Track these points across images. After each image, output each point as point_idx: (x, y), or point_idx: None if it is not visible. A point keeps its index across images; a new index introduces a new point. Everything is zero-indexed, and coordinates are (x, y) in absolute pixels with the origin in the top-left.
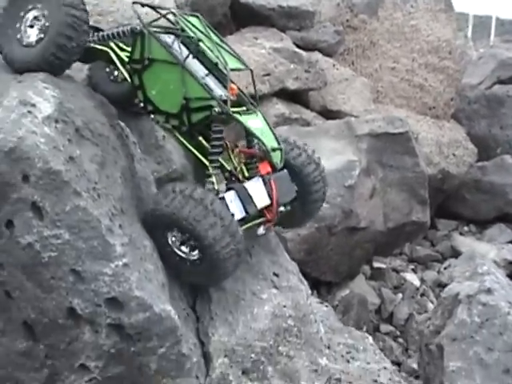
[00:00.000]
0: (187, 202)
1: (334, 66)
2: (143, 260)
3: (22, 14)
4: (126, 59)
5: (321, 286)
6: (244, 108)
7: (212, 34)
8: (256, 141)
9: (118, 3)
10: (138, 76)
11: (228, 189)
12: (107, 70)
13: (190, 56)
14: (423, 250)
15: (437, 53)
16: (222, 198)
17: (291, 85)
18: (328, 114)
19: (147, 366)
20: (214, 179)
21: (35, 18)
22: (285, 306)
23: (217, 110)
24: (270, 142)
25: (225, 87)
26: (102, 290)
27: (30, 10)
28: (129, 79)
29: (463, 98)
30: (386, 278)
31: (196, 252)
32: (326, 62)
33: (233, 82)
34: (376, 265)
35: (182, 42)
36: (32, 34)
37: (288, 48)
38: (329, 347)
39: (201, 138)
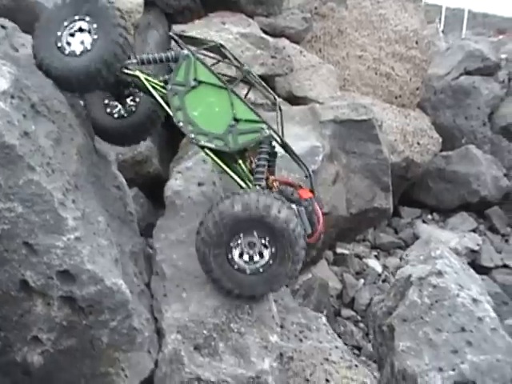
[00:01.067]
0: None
1: (301, 52)
2: (96, 235)
3: (66, 23)
4: (156, 85)
5: None
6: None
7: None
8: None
9: None
10: (179, 98)
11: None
12: (105, 102)
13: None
14: (386, 237)
15: (404, 42)
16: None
17: (257, 70)
18: (294, 100)
19: (99, 339)
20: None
21: (80, 29)
22: None
23: (267, 132)
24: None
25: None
26: (53, 262)
27: (75, 20)
28: (162, 102)
29: (429, 87)
30: (349, 263)
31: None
32: (293, 49)
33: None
34: (339, 250)
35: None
36: (76, 45)
37: (255, 34)
38: (282, 326)
39: (240, 162)
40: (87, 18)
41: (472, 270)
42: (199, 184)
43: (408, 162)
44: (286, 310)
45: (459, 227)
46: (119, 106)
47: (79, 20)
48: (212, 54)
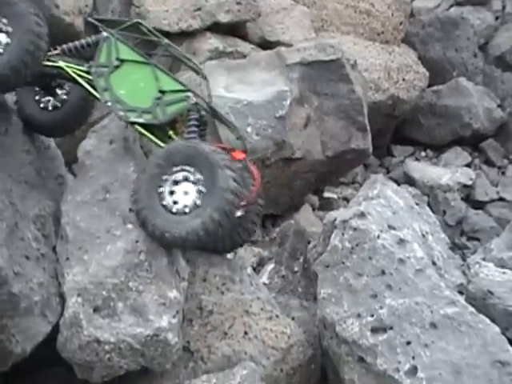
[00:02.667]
0: None
1: None
2: None
3: None
4: (80, 71)
5: (265, 219)
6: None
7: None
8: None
9: None
10: (104, 79)
11: None
12: (36, 98)
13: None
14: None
15: None
16: None
17: (223, 18)
18: (267, 45)
19: None
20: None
21: None
22: (137, 241)
23: (194, 100)
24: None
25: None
26: None
27: None
28: (88, 87)
29: (417, 21)
30: (335, 207)
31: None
32: None
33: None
34: (326, 195)
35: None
36: None
37: None
38: (204, 279)
39: (171, 133)
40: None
41: (427, 209)
42: (111, 142)
43: (394, 100)
44: (210, 263)
45: (453, 162)
46: (51, 99)
47: None
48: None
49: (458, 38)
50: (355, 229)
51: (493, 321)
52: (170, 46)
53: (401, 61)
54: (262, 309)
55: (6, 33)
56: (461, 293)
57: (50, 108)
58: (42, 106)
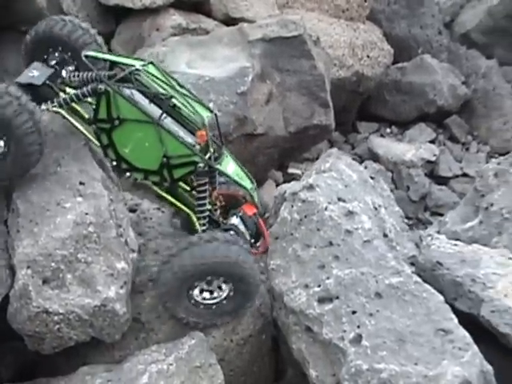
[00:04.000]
0: None
1: None
2: None
3: None
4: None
5: None
6: (212, 150)
7: (171, 80)
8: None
9: None
10: (106, 135)
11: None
12: None
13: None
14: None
15: None
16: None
17: None
18: (231, 22)
19: None
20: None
21: None
22: (87, 214)
23: (202, 165)
24: (247, 183)
25: (192, 134)
26: None
27: None
28: (92, 139)
29: None
30: None
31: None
32: None
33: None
34: (291, 170)
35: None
36: None
37: None
38: (156, 252)
39: (181, 190)
40: None
41: (382, 182)
42: (63, 116)
43: (359, 76)
44: (162, 236)
45: (418, 139)
46: None
47: None
48: None
49: (423, 15)
50: (304, 201)
51: (442, 291)
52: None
53: (365, 38)
54: None
55: None
56: (413, 264)
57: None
58: None
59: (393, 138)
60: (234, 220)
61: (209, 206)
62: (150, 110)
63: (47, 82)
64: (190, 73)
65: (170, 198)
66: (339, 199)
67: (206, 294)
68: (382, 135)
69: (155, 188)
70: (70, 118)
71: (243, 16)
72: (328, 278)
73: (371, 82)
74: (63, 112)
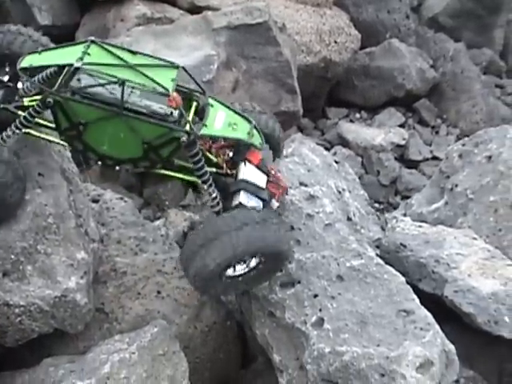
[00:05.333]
0: None
1: None
2: None
3: None
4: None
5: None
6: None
7: (121, 52)
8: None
9: None
10: (78, 141)
11: (233, 192)
12: None
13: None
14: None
15: None
16: (240, 204)
17: None
18: (196, 10)
19: None
20: (215, 195)
21: None
22: (46, 205)
23: (185, 139)
24: (243, 130)
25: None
26: None
27: None
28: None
29: None
30: None
31: None
32: None
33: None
34: None
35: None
36: None
37: None
38: (119, 242)
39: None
40: None
41: (347, 166)
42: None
43: (326, 62)
44: (125, 225)
45: (387, 123)
46: None
47: None
48: None
49: (390, 0)
50: None
51: (406, 273)
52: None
53: (332, 23)
54: (174, 268)
55: None
56: (378, 247)
57: None
58: None
59: (362, 123)
60: (243, 172)
61: (210, 169)
62: (110, 97)
63: (1, 105)
64: None
65: (171, 173)
66: (301, 183)
67: (238, 267)
68: (351, 120)
69: (153, 170)
70: (41, 135)
71: (208, 4)
72: (290, 263)
73: (339, 68)
74: (33, 132)
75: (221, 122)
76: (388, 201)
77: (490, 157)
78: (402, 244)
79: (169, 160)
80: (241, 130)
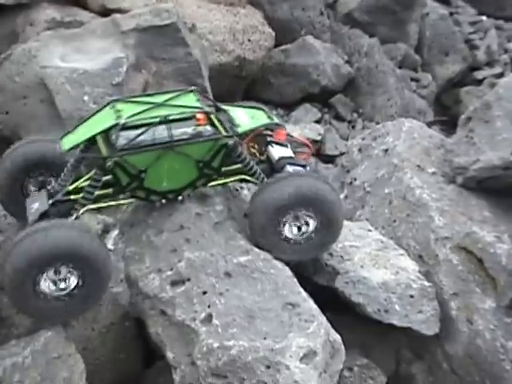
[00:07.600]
0: None
1: None
2: None
3: None
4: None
5: None
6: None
7: (144, 98)
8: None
9: None
10: (140, 190)
11: (278, 171)
12: None
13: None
14: None
15: None
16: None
17: None
18: (108, 13)
19: None
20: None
21: None
22: None
23: (230, 143)
24: (263, 117)
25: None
26: None
27: None
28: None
29: None
30: None
31: None
32: None
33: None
34: None
35: None
36: None
37: None
38: None
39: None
40: None
41: None
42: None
43: (240, 61)
44: None
45: (303, 119)
46: None
47: None
48: None
49: None
50: None
51: (302, 267)
52: None
53: (246, 22)
54: None
55: None
56: None
57: None
58: None
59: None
60: (275, 153)
61: (253, 161)
62: (157, 136)
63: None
64: (64, 67)
65: (221, 182)
66: None
67: (295, 230)
68: None
69: (211, 183)
70: (102, 204)
71: (120, 7)
72: (180, 261)
73: (253, 66)
74: (94, 206)
75: (245, 118)
76: None
77: (386, 150)
78: None
79: (220, 169)
80: (262, 117)
